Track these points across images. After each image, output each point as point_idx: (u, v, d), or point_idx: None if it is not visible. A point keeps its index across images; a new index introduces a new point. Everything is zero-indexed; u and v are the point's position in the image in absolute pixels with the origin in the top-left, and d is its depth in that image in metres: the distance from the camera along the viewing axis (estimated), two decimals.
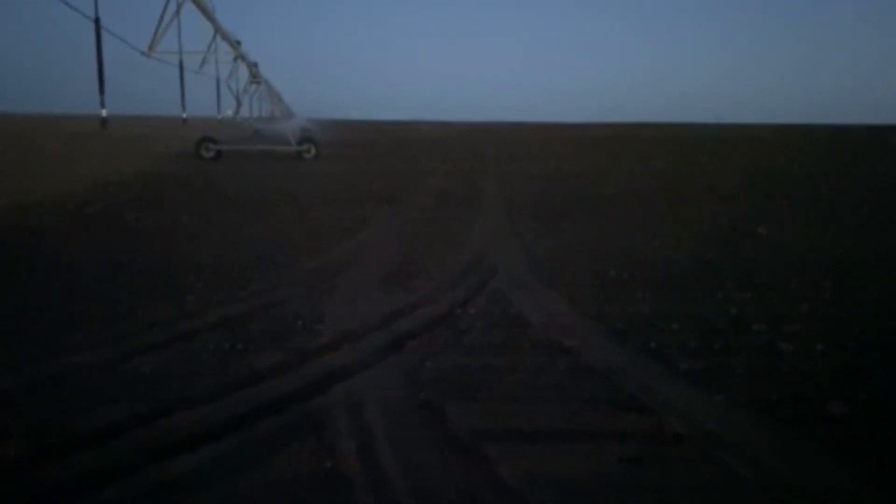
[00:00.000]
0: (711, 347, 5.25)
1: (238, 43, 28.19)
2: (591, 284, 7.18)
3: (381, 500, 3.18)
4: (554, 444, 3.74)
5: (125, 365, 4.76)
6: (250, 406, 4.09)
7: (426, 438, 3.78)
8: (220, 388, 4.34)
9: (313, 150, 26.15)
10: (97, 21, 19.16)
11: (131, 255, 8.22)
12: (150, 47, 23.95)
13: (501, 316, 6.05)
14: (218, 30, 27.07)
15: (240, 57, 29.22)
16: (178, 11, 23.68)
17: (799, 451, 3.69)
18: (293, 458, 3.53)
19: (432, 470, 3.44)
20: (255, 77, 30.97)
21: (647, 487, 3.35)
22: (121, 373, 4.63)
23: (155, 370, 4.68)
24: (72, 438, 3.66)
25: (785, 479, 3.41)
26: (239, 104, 35.48)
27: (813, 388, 4.47)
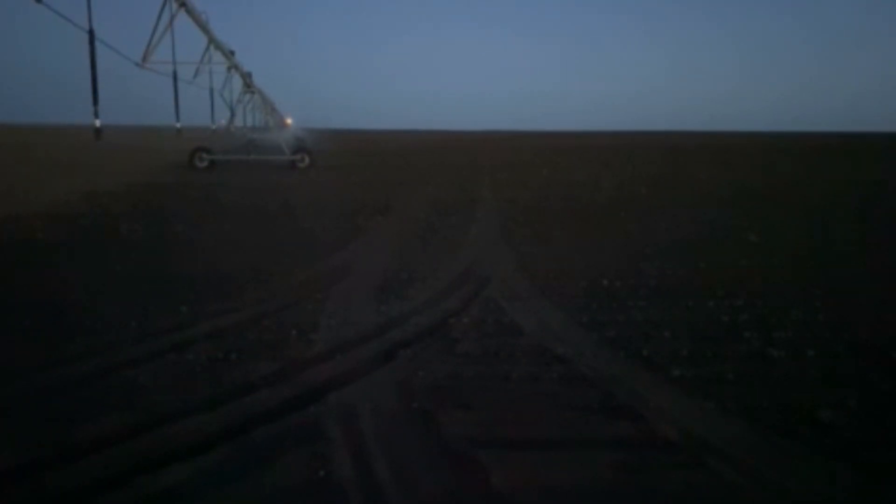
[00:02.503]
0: (703, 355, 5.28)
1: (232, 53, 28.26)
2: (584, 293, 7.22)
3: None
4: (547, 452, 3.76)
5: (119, 375, 4.76)
6: (244, 416, 4.11)
7: (419, 447, 3.79)
8: (213, 398, 4.35)
9: (307, 160, 26.20)
10: (91, 32, 19.21)
11: (125, 266, 8.22)
12: (144, 58, 23.98)
13: (495, 324, 6.08)
14: (212, 40, 27.13)
15: (233, 67, 29.28)
16: (171, 22, 23.74)
17: (789, 458, 3.72)
18: (287, 468, 3.54)
19: (425, 478, 3.45)
20: (248, 87, 31.02)
21: (639, 494, 3.37)
22: (115, 383, 4.64)
23: (149, 380, 4.68)
24: (67, 448, 3.67)
25: (775, 485, 3.44)
26: (233, 114, 35.45)
27: (803, 395, 4.50)
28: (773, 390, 4.59)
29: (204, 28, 25.37)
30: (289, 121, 50.99)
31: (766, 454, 3.75)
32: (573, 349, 5.40)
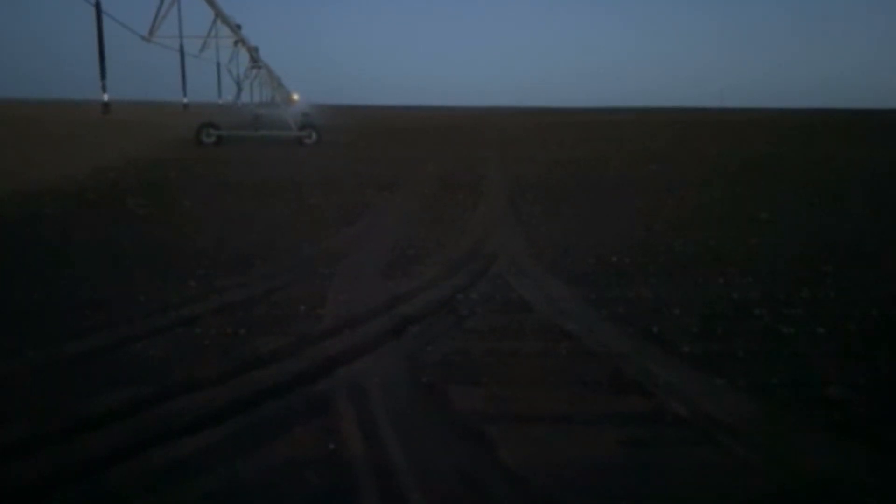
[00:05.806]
0: (713, 332, 5.26)
1: (238, 27, 28.02)
2: (593, 269, 7.19)
3: (383, 482, 3.21)
4: (555, 427, 3.76)
5: (128, 349, 4.79)
6: (253, 390, 4.12)
7: (428, 421, 3.80)
8: (222, 373, 4.37)
9: (314, 136, 26.08)
10: (97, 5, 19.08)
11: (133, 241, 8.23)
12: (150, 32, 23.87)
13: (503, 301, 6.07)
14: (218, 14, 26.91)
15: (240, 41, 29.06)
16: None
17: (798, 434, 3.71)
18: (296, 441, 3.55)
19: (434, 452, 3.46)
20: (255, 62, 30.81)
21: (647, 469, 3.37)
22: (124, 357, 4.66)
23: (158, 354, 4.70)
24: (78, 421, 3.69)
25: (783, 461, 3.43)
26: (239, 89, 35.26)
27: (813, 372, 4.48)
28: (784, 367, 4.58)
29: (210, 1, 25.17)
30: (295, 96, 50.75)
31: (775, 431, 3.74)
32: (582, 325, 5.39)
